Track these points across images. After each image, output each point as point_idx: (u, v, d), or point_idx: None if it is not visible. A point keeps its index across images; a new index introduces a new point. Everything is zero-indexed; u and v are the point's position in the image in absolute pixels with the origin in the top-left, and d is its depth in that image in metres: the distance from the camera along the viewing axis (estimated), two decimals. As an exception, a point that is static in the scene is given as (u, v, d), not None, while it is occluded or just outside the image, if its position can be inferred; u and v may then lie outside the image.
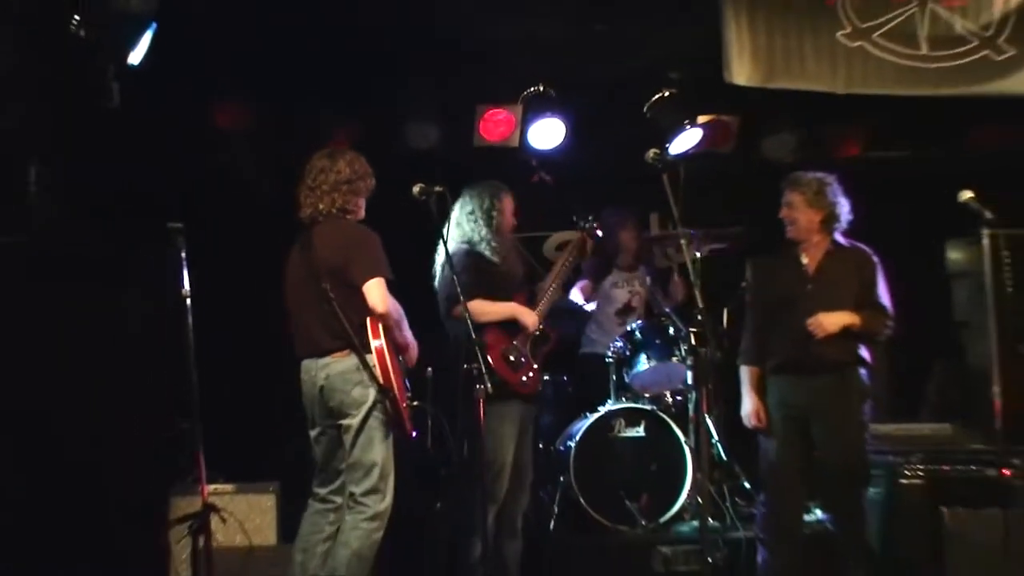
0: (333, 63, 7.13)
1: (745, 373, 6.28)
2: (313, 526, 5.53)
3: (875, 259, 6.23)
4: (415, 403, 5.63)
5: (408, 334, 5.60)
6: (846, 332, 6.06)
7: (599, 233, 6.86)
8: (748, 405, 6.21)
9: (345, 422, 5.41)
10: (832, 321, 6.03)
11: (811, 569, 6.23)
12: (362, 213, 5.64)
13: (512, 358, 6.12)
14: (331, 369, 5.40)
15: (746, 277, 6.34)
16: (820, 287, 6.12)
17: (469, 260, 6.19)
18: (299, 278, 5.52)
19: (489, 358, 5.97)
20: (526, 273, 6.65)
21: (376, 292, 5.32)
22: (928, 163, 8.42)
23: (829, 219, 6.12)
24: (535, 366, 6.21)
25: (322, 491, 5.56)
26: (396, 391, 5.36)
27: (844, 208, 6.17)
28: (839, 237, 6.17)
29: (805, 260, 6.18)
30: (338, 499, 5.52)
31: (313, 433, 5.55)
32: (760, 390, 6.22)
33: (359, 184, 5.59)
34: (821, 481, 6.29)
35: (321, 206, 5.52)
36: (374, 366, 5.33)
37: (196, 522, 5.28)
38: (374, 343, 5.34)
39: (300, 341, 5.52)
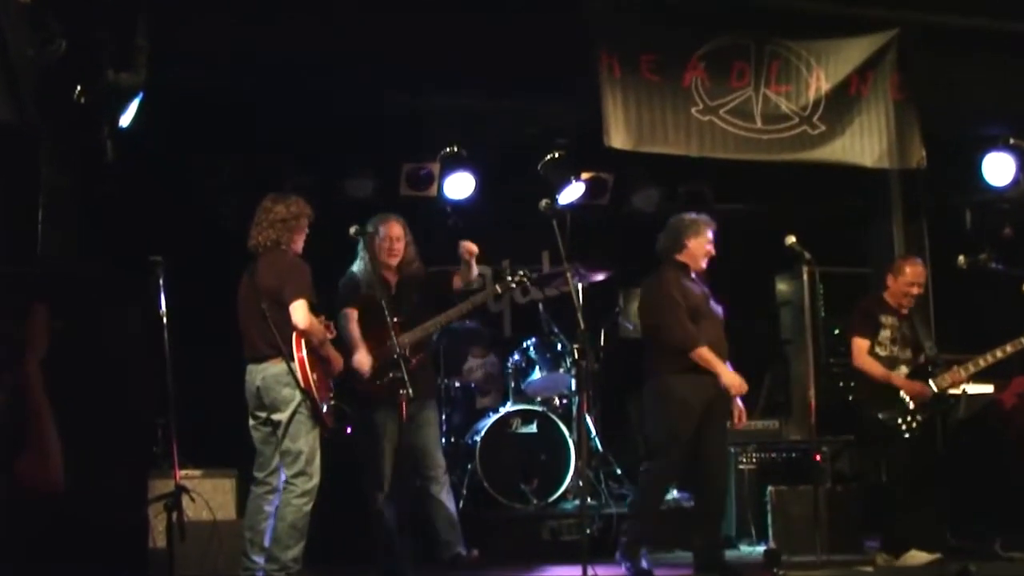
0: (290, 127, 7.09)
1: (708, 352, 5.81)
2: (256, 507, 5.55)
3: None
4: (333, 403, 5.59)
5: (330, 349, 5.58)
6: None
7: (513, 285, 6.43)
8: (735, 376, 5.85)
9: (276, 417, 5.43)
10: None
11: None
12: (298, 246, 5.62)
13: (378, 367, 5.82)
14: (266, 372, 5.43)
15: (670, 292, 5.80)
16: (713, 309, 6.06)
17: (345, 282, 6.13)
18: (246, 298, 5.55)
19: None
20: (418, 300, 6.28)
21: (299, 312, 5.31)
22: (761, 213, 8.51)
23: None
24: (389, 375, 5.77)
25: (260, 475, 5.57)
26: (315, 393, 5.36)
27: None
28: None
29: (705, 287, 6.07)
30: (274, 481, 5.53)
31: (251, 423, 5.57)
32: None
33: (293, 223, 5.56)
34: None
35: (262, 239, 5.53)
36: (297, 372, 5.33)
37: (170, 500, 5.18)
38: (297, 354, 5.35)
39: (246, 348, 5.55)
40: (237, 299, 5.64)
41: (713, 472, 6.08)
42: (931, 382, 6.27)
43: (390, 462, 5.83)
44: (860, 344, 6.33)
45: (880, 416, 6.26)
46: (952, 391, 6.44)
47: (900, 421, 6.23)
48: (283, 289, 5.39)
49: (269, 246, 5.55)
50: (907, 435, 6.23)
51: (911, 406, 6.23)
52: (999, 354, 6.23)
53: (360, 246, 6.05)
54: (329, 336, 5.63)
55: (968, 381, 6.41)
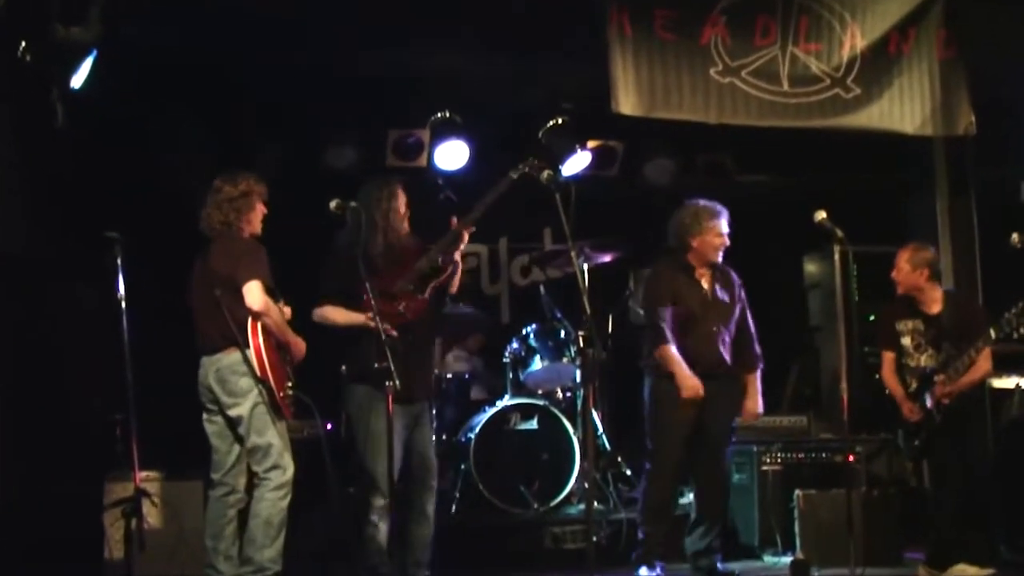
0: (262, 91, 7.12)
1: (671, 351, 5.95)
2: (216, 512, 5.56)
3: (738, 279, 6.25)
4: (290, 391, 5.58)
5: (290, 334, 5.63)
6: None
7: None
8: (690, 378, 5.92)
9: (234, 412, 5.46)
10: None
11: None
12: (254, 226, 5.69)
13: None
14: (220, 363, 5.47)
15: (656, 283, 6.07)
16: (717, 309, 6.09)
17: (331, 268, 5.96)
18: (199, 285, 5.59)
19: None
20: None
21: (253, 293, 5.36)
22: (787, 186, 8.53)
23: None
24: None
25: (216, 476, 5.59)
26: (272, 382, 5.41)
27: None
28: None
29: (705, 285, 6.12)
30: (232, 481, 5.57)
31: (205, 417, 5.58)
32: None
33: (242, 202, 5.61)
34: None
35: (212, 221, 5.60)
36: (253, 360, 5.38)
37: (129, 506, 5.27)
38: (253, 340, 5.41)
39: (198, 339, 5.57)
40: (189, 287, 5.68)
41: (706, 472, 6.15)
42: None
43: (388, 466, 5.65)
44: (885, 358, 6.27)
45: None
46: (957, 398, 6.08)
47: (903, 446, 6.25)
48: (236, 272, 5.43)
49: (220, 229, 5.61)
50: (919, 454, 6.21)
51: (911, 428, 6.13)
52: (969, 358, 5.93)
53: (360, 216, 5.76)
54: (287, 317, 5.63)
55: (953, 393, 6.01)
